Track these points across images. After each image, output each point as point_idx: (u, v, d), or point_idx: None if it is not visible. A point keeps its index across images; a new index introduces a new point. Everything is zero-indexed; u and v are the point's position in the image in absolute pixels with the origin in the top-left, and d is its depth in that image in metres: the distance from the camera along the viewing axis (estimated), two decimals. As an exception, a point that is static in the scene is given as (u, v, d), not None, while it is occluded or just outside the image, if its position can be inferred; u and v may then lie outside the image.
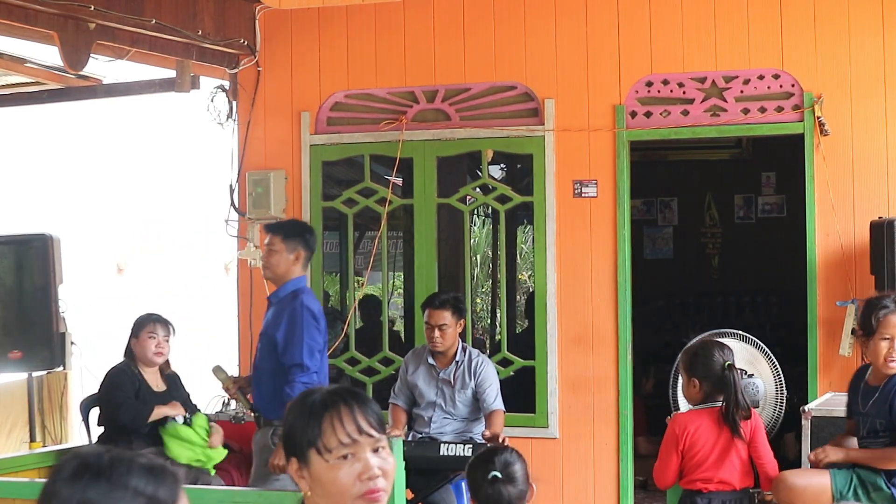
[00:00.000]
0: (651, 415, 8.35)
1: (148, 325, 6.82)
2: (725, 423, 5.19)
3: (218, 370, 6.37)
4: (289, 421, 2.67)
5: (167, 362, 6.92)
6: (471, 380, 6.68)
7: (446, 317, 6.66)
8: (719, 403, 5.22)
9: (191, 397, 7.01)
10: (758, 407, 6.41)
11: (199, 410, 6.95)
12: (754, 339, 6.76)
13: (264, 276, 6.34)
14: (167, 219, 18.34)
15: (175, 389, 6.91)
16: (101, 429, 6.88)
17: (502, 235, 8.84)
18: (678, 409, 6.22)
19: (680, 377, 5.33)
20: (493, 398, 6.67)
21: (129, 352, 6.85)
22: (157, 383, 6.87)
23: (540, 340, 7.54)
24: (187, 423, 6.69)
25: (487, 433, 6.40)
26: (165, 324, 6.89)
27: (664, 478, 5.30)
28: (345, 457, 2.60)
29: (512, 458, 3.97)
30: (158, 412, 6.67)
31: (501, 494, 3.89)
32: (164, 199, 18.39)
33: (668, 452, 5.24)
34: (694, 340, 5.89)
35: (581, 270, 7.48)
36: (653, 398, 8.37)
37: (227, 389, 6.44)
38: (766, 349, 6.71)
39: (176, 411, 6.71)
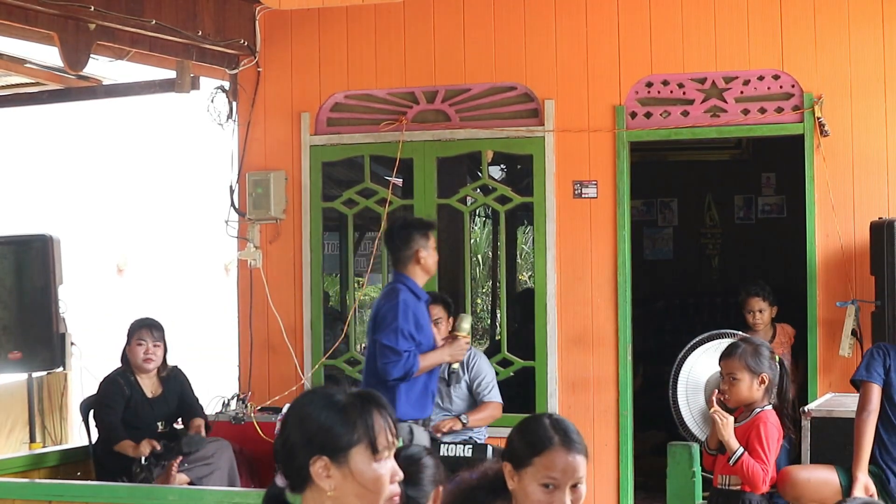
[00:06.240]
0: (637, 413, 8.34)
1: (137, 331, 6.84)
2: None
3: (466, 318, 6.10)
4: (321, 418, 2.70)
5: (164, 364, 6.92)
6: (465, 373, 6.77)
7: (439, 311, 6.73)
8: (771, 404, 5.22)
9: (192, 393, 6.99)
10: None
11: (200, 424, 6.88)
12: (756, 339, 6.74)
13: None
14: (167, 219, 18.35)
15: (170, 393, 6.90)
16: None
17: (502, 236, 8.84)
18: (679, 411, 6.19)
19: (740, 376, 5.20)
20: (488, 389, 6.75)
21: (124, 357, 6.88)
22: (153, 388, 6.88)
23: (540, 341, 7.54)
24: (151, 463, 6.51)
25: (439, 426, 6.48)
26: (156, 328, 6.86)
27: (770, 474, 5.12)
28: (385, 458, 2.71)
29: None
30: (123, 446, 6.61)
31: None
32: (164, 200, 18.40)
33: (775, 449, 5.14)
34: (738, 338, 5.75)
35: (581, 271, 7.48)
36: (639, 397, 8.36)
37: (461, 341, 5.98)
38: (769, 347, 6.70)
39: (137, 452, 6.56)
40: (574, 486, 3.27)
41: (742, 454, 5.07)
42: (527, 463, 3.28)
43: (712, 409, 5.18)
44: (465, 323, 6.08)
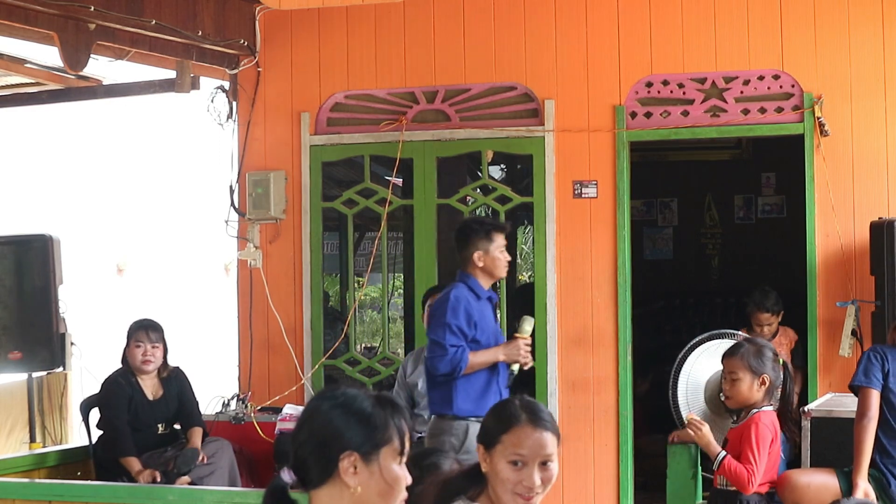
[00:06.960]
0: (647, 416, 8.34)
1: (135, 333, 6.84)
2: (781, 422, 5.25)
3: (528, 321, 6.04)
4: (354, 415, 2.71)
5: (164, 365, 6.92)
6: None
7: None
8: (772, 406, 5.23)
9: (192, 396, 7.00)
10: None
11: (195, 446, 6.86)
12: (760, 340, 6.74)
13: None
14: (167, 219, 18.33)
15: (171, 395, 6.90)
16: (101, 431, 6.90)
17: (502, 236, 8.82)
18: (679, 411, 6.19)
19: (741, 376, 5.21)
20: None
21: (124, 359, 6.88)
22: (153, 390, 6.88)
23: (540, 341, 7.53)
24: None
25: None
26: (154, 329, 6.85)
27: (760, 476, 5.14)
28: (404, 461, 2.74)
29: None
30: (128, 463, 6.59)
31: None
32: (164, 200, 18.38)
33: (766, 450, 5.16)
34: (741, 338, 5.80)
35: (581, 271, 7.48)
36: (647, 399, 8.34)
37: (519, 342, 5.95)
38: (773, 349, 6.70)
39: (138, 478, 6.52)
40: (544, 464, 3.27)
41: (724, 458, 5.11)
42: (496, 441, 3.31)
43: (687, 417, 5.26)
44: (527, 325, 5.99)
